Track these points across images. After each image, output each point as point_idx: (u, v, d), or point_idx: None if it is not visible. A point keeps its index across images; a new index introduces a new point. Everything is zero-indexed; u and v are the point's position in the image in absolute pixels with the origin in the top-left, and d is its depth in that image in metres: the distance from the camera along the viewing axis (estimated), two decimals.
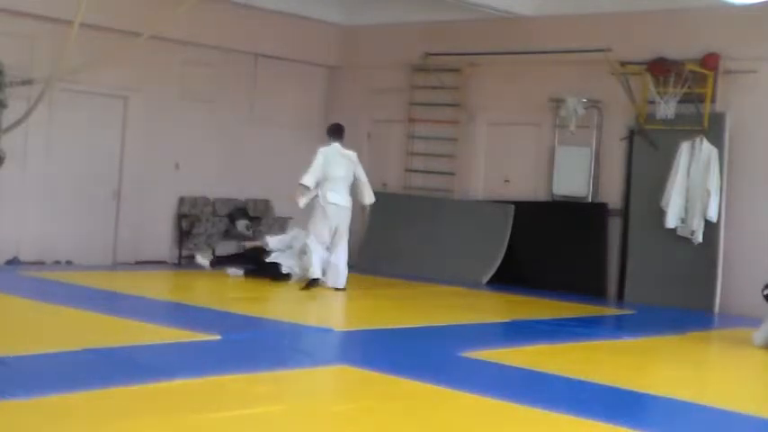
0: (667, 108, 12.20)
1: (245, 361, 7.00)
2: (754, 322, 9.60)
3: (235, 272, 12.14)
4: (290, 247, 12.08)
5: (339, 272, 11.30)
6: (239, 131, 14.61)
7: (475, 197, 14.19)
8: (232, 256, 12.97)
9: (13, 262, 12.34)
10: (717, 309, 11.81)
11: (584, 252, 12.95)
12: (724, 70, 12.05)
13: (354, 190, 11.63)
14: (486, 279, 13.27)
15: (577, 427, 5.71)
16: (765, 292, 9.37)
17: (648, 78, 12.36)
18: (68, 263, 12.78)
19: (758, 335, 9.26)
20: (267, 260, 11.95)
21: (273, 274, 11.84)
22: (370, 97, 15.14)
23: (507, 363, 7.49)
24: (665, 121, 12.26)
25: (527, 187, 13.71)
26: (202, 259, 12.49)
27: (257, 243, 12.61)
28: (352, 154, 11.60)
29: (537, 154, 13.67)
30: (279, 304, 10.64)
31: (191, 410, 5.48)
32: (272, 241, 12.20)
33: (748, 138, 11.96)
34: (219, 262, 12.49)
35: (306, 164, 11.35)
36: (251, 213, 14.63)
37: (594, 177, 13.10)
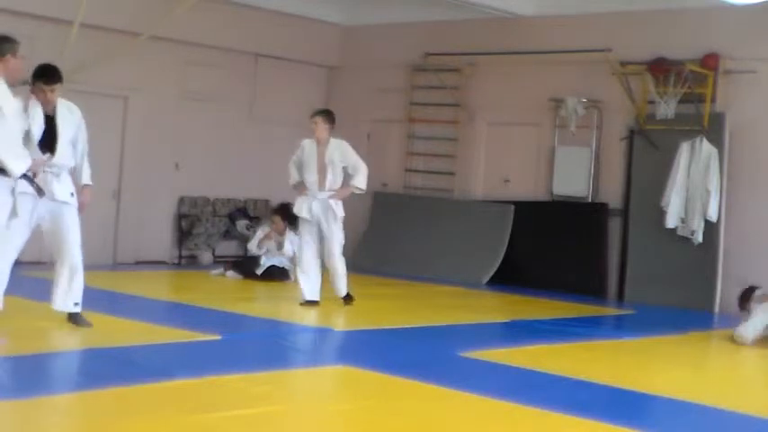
0: (667, 108, 12.19)
1: (245, 361, 7.01)
2: None
3: (233, 274, 12.15)
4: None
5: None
6: (239, 131, 14.59)
7: (475, 197, 14.18)
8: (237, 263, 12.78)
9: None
10: (717, 309, 11.79)
11: (585, 252, 12.95)
12: (724, 70, 12.05)
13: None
14: (486, 279, 13.26)
15: (577, 427, 5.71)
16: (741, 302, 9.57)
17: (648, 78, 12.36)
18: None
19: (744, 333, 9.23)
20: (259, 271, 12.01)
21: (271, 274, 11.95)
22: (370, 97, 15.13)
23: (507, 363, 7.49)
24: (665, 121, 12.25)
25: (527, 187, 13.70)
26: (235, 274, 12.18)
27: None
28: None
29: (537, 154, 13.66)
30: (279, 304, 10.62)
31: (191, 410, 5.48)
32: (252, 246, 12.32)
33: (748, 138, 11.96)
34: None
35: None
36: (251, 213, 14.62)
37: (594, 177, 13.09)
